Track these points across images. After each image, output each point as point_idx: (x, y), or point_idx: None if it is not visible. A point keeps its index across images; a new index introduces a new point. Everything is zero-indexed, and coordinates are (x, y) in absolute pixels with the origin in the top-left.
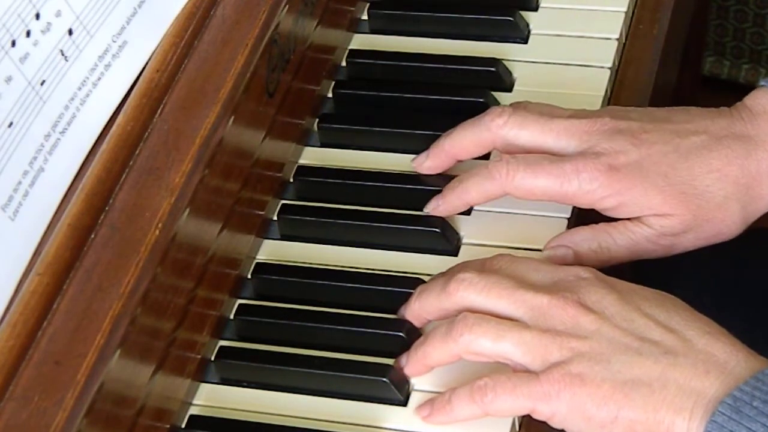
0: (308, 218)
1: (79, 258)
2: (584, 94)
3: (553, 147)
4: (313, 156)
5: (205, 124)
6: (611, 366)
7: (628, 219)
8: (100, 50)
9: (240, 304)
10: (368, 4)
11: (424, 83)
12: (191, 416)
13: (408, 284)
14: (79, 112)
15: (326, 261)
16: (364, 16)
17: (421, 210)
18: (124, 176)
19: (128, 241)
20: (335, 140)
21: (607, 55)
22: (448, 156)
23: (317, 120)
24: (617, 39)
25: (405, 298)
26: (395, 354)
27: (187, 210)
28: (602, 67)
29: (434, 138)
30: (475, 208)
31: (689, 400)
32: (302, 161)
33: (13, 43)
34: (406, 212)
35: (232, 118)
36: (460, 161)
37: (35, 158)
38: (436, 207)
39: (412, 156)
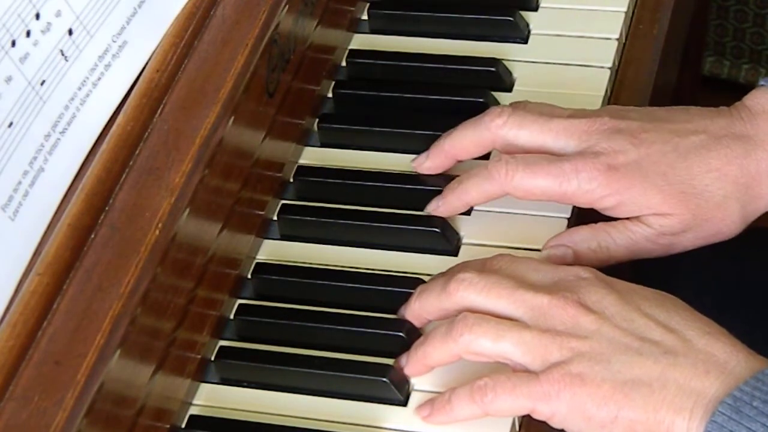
0: (308, 218)
1: (79, 258)
2: (584, 94)
3: (552, 147)
4: (313, 156)
5: (205, 124)
6: (611, 366)
7: (628, 218)
8: (100, 50)
9: (240, 304)
10: (368, 4)
11: (424, 83)
12: (191, 416)
13: (408, 284)
14: (79, 112)
15: (326, 261)
16: (364, 16)
17: (421, 210)
18: (124, 176)
19: (128, 241)
20: (335, 140)
21: (607, 55)
22: (448, 156)
23: (317, 120)
24: (617, 39)
25: (405, 298)
26: (395, 354)
27: (187, 210)
28: (602, 67)
29: (434, 138)
30: (475, 208)
31: (689, 400)
32: (302, 161)
33: (13, 43)
34: (406, 212)
35: (232, 118)
36: (460, 161)
37: (35, 158)
38: (436, 208)
39: (412, 156)
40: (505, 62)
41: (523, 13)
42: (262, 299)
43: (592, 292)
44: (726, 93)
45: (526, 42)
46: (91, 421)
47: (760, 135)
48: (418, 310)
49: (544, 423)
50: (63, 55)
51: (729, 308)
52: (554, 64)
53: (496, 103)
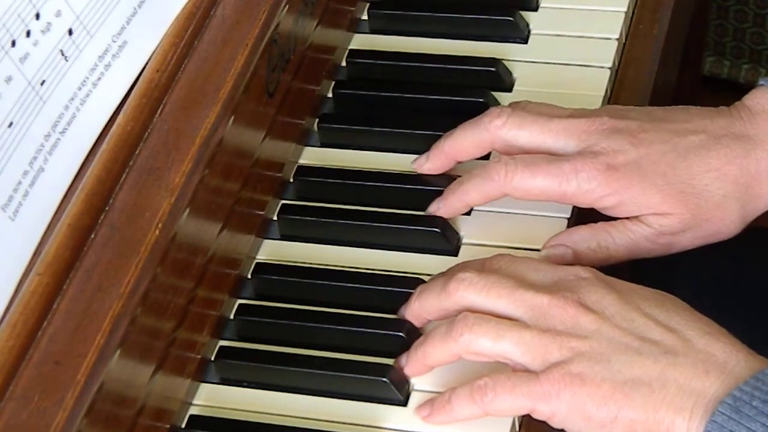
0: (308, 218)
1: (79, 258)
2: (584, 94)
3: (552, 147)
4: (313, 156)
5: (205, 124)
6: (611, 366)
7: (627, 218)
8: (100, 50)
9: (240, 304)
10: (368, 4)
11: (424, 83)
12: (191, 416)
13: (408, 284)
14: (79, 112)
15: (326, 261)
16: (364, 16)
17: (421, 210)
18: (124, 176)
19: (128, 241)
20: (335, 140)
21: (607, 55)
22: (448, 158)
23: (317, 120)
24: (617, 39)
25: (405, 298)
26: (395, 354)
27: (187, 210)
28: (602, 67)
29: (434, 138)
30: (475, 208)
31: (689, 400)
32: (302, 161)
33: (13, 43)
34: (406, 212)
35: (232, 118)
36: (460, 163)
37: (35, 158)
38: (437, 209)
39: (412, 156)
40: (505, 62)
41: (523, 13)
42: (262, 299)
43: (592, 292)
44: (726, 93)
45: (526, 42)
46: (91, 421)
47: (759, 135)
48: (418, 310)
49: (544, 423)
50: (63, 55)
51: (728, 308)
52: (554, 64)
53: (496, 103)
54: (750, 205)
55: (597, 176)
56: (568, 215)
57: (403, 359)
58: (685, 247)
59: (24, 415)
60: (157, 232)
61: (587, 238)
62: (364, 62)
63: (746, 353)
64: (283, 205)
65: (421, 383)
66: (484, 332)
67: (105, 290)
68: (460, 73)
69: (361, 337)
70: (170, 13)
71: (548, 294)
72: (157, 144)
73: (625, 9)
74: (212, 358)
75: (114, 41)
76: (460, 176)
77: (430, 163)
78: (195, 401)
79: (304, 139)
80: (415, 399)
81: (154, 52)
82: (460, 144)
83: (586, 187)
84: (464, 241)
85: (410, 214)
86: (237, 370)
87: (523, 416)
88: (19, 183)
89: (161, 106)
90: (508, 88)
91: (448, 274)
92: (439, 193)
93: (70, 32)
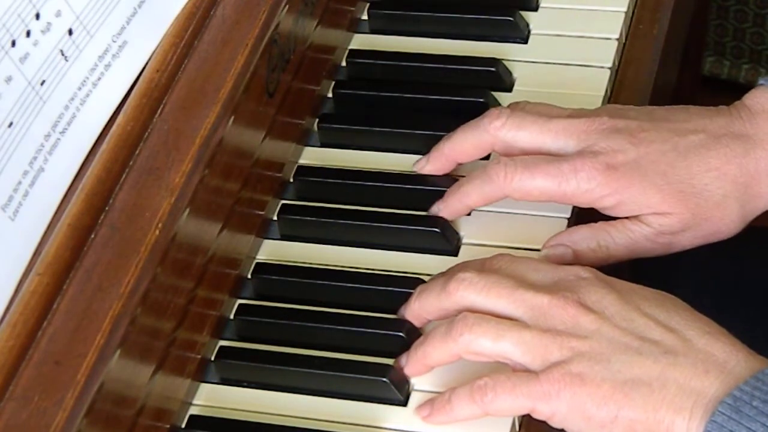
0: (308, 218)
1: (79, 258)
2: (584, 94)
3: (551, 147)
4: (313, 156)
5: (205, 124)
6: (611, 366)
7: (627, 218)
8: (100, 50)
9: (240, 304)
10: (368, 4)
11: (424, 83)
12: (191, 416)
13: (408, 284)
14: (79, 112)
15: (326, 261)
16: (364, 16)
17: (421, 210)
18: (124, 176)
19: (128, 241)
20: (335, 140)
21: (607, 55)
22: (448, 160)
23: (317, 120)
24: (617, 39)
25: (405, 298)
26: (395, 354)
27: (187, 210)
28: (602, 67)
29: (434, 138)
30: None
31: (689, 400)
32: (302, 161)
33: (13, 43)
34: (406, 212)
35: (232, 118)
36: (461, 164)
37: (35, 158)
38: (437, 212)
39: (412, 156)
40: (505, 62)
41: (523, 13)
42: (262, 299)
43: (592, 292)
44: (726, 93)
45: (526, 42)
46: (91, 421)
47: (759, 134)
48: (417, 310)
49: (544, 423)
50: (63, 55)
51: (728, 307)
52: (554, 64)
53: (497, 103)
54: (750, 204)
55: (596, 176)
56: (568, 215)
57: (403, 359)
58: (684, 246)
59: (24, 415)
60: (157, 232)
61: (587, 237)
62: (364, 62)
63: (746, 353)
64: (283, 205)
65: (421, 383)
66: (484, 332)
67: (105, 290)
68: (460, 73)
69: (361, 337)
70: (170, 13)
71: (548, 294)
72: (157, 144)
73: (625, 9)
74: (212, 358)
75: (114, 41)
76: (461, 176)
77: (430, 166)
78: (195, 401)
79: (304, 139)
80: (415, 399)
81: (154, 52)
82: (460, 146)
83: (586, 187)
84: (464, 241)
85: (410, 214)
86: (237, 370)
87: (523, 416)
88: (19, 183)
89: (161, 106)
90: (508, 88)
91: (448, 274)
92: (440, 193)
93: (70, 32)
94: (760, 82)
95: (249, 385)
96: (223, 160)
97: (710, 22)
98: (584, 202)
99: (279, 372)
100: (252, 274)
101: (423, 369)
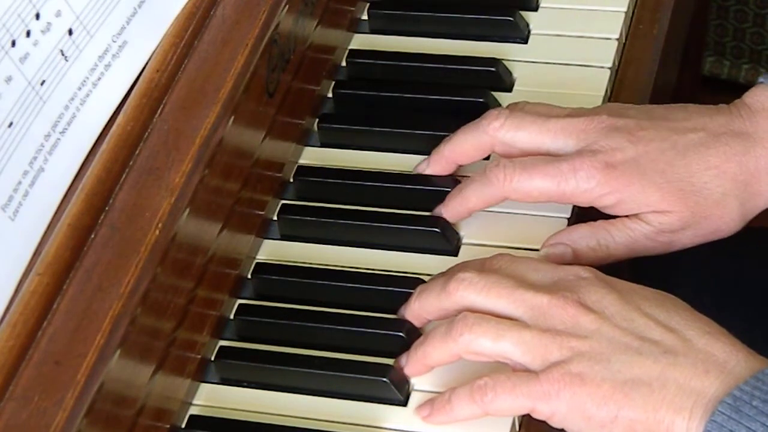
0: (308, 218)
1: (79, 258)
2: (584, 94)
3: (550, 147)
4: (313, 156)
5: (205, 124)
6: (611, 365)
7: (627, 216)
8: (100, 50)
9: (240, 304)
10: (368, 4)
11: (424, 83)
12: (191, 416)
13: (408, 284)
14: (79, 112)
15: (326, 261)
16: (364, 16)
17: (421, 210)
18: (124, 176)
19: (128, 241)
20: (335, 140)
21: (607, 55)
22: (449, 162)
23: (317, 120)
24: (617, 39)
25: (405, 298)
26: (395, 354)
27: (187, 210)
28: (602, 67)
29: (434, 138)
30: None
31: (689, 400)
32: (302, 161)
33: (13, 43)
34: (406, 212)
35: (232, 118)
36: (461, 166)
37: (35, 158)
38: (439, 216)
39: (412, 156)
40: (505, 62)
41: (523, 13)
42: (262, 299)
43: (592, 292)
44: (726, 93)
45: (526, 42)
46: (91, 421)
47: (759, 132)
48: (417, 310)
49: (544, 423)
50: (63, 55)
51: (728, 306)
52: (554, 64)
53: (496, 103)
54: (749, 202)
55: (595, 175)
56: (568, 215)
57: (403, 359)
58: (684, 245)
59: (24, 415)
60: (157, 232)
61: (587, 236)
62: (364, 62)
63: (746, 353)
64: (283, 205)
65: (421, 383)
66: (484, 332)
67: (105, 290)
68: (460, 73)
69: (361, 337)
70: (170, 13)
71: (548, 294)
72: (157, 144)
73: (625, 9)
74: (212, 358)
75: (114, 41)
76: (461, 176)
77: (431, 168)
78: (195, 401)
79: (304, 139)
80: (415, 399)
81: (154, 52)
82: (459, 148)
83: (585, 186)
84: (464, 241)
85: (410, 214)
86: (237, 370)
87: (523, 416)
88: (19, 183)
89: (161, 106)
90: (508, 88)
91: (448, 274)
92: (440, 193)
93: (70, 32)
94: (760, 80)
95: (249, 385)
96: (223, 160)
97: (710, 22)
98: (584, 201)
99: (279, 372)
100: (252, 274)
101: (423, 369)
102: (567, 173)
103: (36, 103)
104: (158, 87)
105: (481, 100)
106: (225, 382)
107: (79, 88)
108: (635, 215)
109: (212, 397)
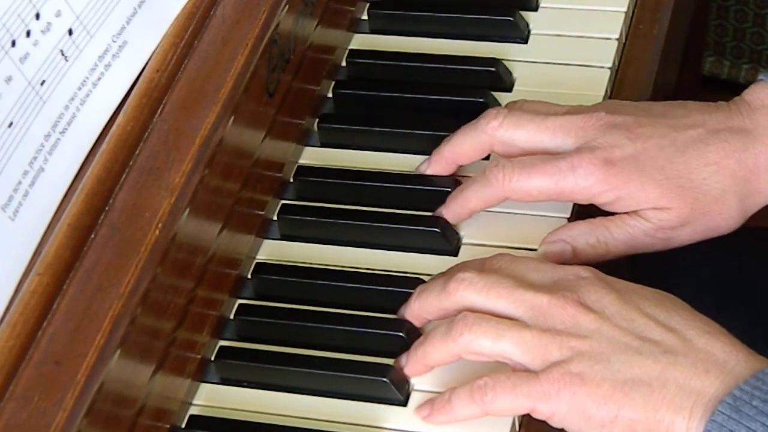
0: (308, 218)
1: (79, 258)
2: (584, 94)
3: (549, 145)
4: (313, 156)
5: (205, 124)
6: (611, 365)
7: (626, 213)
8: (100, 50)
9: (240, 304)
10: (368, 4)
11: (424, 83)
12: (191, 416)
13: (408, 284)
14: (79, 112)
15: (326, 261)
16: (364, 16)
17: (421, 210)
18: (124, 176)
19: (128, 241)
20: (335, 140)
21: (607, 55)
22: (449, 162)
23: (317, 120)
24: (617, 39)
25: (405, 298)
26: (395, 354)
27: (187, 210)
28: (602, 67)
29: (434, 138)
30: None
31: (689, 400)
32: (302, 161)
33: (13, 43)
34: (406, 212)
35: (232, 118)
36: (462, 166)
37: (35, 158)
38: (439, 216)
39: (412, 156)
40: (505, 62)
41: (523, 13)
42: (262, 299)
43: (592, 292)
44: (726, 93)
45: (526, 42)
46: (91, 421)
47: (758, 129)
48: (417, 310)
49: (544, 422)
50: (63, 55)
51: (728, 306)
52: (554, 64)
53: (496, 103)
54: (749, 199)
55: (594, 172)
56: (568, 215)
57: (403, 359)
58: (684, 241)
59: (24, 415)
60: (157, 232)
61: (586, 233)
62: (364, 62)
63: (746, 353)
64: (283, 205)
65: (421, 383)
66: (484, 332)
67: (105, 290)
68: (460, 73)
69: (361, 337)
70: (170, 13)
71: (548, 294)
72: (157, 144)
73: (625, 9)
74: (212, 358)
75: (114, 41)
76: (462, 176)
77: (431, 169)
78: (195, 401)
79: (304, 139)
80: (415, 399)
81: (154, 52)
82: (459, 148)
83: (584, 183)
84: (464, 241)
85: (410, 214)
86: (237, 370)
87: (523, 416)
88: (19, 183)
89: (161, 106)
90: (508, 88)
91: (448, 274)
92: (440, 193)
93: (70, 32)
94: (760, 77)
95: (249, 385)
96: (223, 160)
97: (710, 22)
98: (583, 199)
99: (279, 372)
100: (252, 274)
101: (423, 369)
102: (565, 171)
103: (36, 103)
104: (158, 87)
105: (481, 100)
106: (225, 382)
107: (79, 88)
108: (634, 212)
109: (212, 397)
